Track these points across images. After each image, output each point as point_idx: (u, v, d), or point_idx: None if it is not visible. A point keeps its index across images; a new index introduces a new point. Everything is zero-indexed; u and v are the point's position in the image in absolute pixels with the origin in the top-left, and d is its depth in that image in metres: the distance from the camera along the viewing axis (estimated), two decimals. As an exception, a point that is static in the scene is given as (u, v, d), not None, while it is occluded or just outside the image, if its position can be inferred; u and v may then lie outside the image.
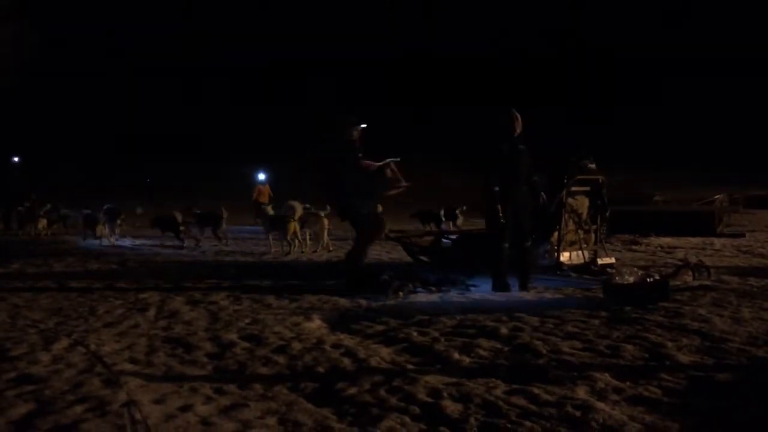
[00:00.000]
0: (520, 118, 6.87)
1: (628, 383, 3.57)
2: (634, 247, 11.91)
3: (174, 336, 4.84)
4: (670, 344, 4.41)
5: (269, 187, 20.70)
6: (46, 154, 39.88)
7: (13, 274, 8.29)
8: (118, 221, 13.17)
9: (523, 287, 6.82)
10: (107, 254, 10.62)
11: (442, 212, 15.57)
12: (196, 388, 3.59)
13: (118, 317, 5.55)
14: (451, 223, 15.36)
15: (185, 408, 3.27)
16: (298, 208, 10.89)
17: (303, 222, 11.18)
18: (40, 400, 3.39)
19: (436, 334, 4.83)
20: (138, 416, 3.13)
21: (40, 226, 15.27)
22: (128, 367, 4.02)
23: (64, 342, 4.63)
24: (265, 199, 19.69)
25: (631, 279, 6.29)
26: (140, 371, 3.93)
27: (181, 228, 11.86)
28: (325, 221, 11.69)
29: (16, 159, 17.00)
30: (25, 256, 10.22)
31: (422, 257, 9.12)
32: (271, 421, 3.11)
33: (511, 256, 6.88)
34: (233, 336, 4.83)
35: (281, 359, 4.19)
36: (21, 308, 5.97)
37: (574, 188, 7.98)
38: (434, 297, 6.55)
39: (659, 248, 11.72)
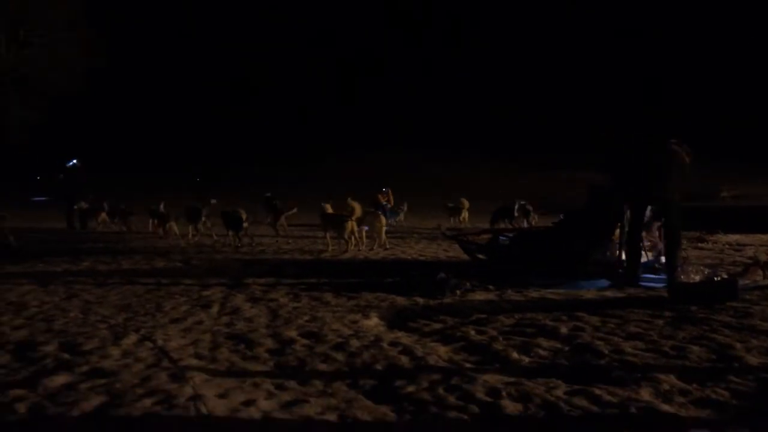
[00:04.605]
0: None
1: (694, 385, 3.47)
2: (700, 244, 11.53)
3: (236, 332, 4.96)
4: (738, 345, 4.27)
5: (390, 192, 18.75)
6: (111, 158, 41.46)
7: (84, 271, 8.65)
8: (203, 218, 13.36)
9: None
10: (172, 252, 10.96)
11: (516, 207, 15.41)
12: (258, 383, 3.68)
13: (183, 313, 5.73)
14: (524, 220, 15.24)
15: (248, 403, 3.35)
16: (358, 209, 10.96)
17: (361, 220, 11.25)
18: (112, 393, 3.54)
19: (494, 333, 4.80)
20: (204, 410, 3.23)
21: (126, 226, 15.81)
22: (193, 362, 4.15)
23: (133, 337, 4.82)
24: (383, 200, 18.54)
25: (698, 278, 6.09)
26: (205, 366, 4.05)
27: (245, 225, 11.99)
28: (383, 219, 11.73)
29: (75, 161, 17.76)
30: (95, 254, 10.65)
31: (480, 255, 9.05)
32: (331, 417, 3.16)
33: None
34: (293, 333, 4.91)
35: (340, 356, 4.25)
36: (92, 304, 6.23)
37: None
38: (492, 295, 6.49)
39: (727, 246, 11.31)
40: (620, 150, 7.94)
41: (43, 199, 26.94)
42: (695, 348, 4.24)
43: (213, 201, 13.63)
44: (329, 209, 11.51)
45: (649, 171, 7.18)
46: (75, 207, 16.94)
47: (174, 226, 13.77)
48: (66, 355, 4.32)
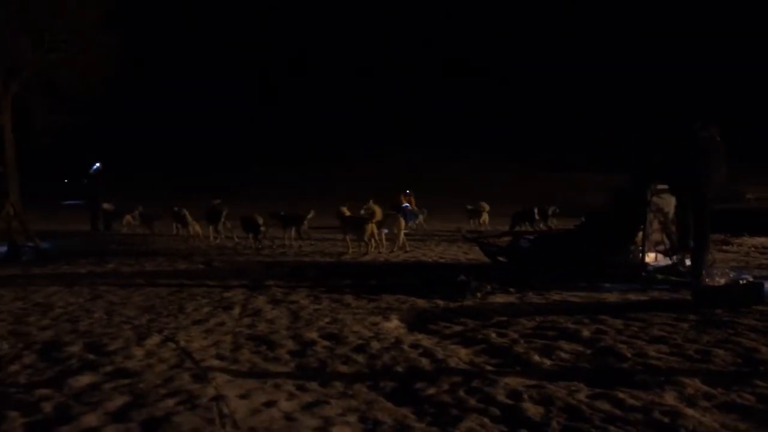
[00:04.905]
0: None
1: (719, 389, 3.42)
2: (725, 247, 11.37)
3: (257, 334, 5.00)
4: (764, 349, 4.20)
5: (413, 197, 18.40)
6: (130, 162, 41.95)
7: (108, 273, 8.76)
8: (222, 220, 13.56)
9: None
10: (194, 254, 11.06)
11: (536, 210, 15.42)
12: (280, 384, 3.70)
13: (205, 315, 5.78)
14: (542, 223, 15.22)
15: (269, 404, 3.37)
16: (378, 212, 10.97)
17: (381, 223, 11.26)
18: (135, 393, 3.58)
19: (515, 336, 4.78)
20: (226, 410, 3.26)
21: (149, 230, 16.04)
22: (215, 363, 4.19)
23: (156, 338, 4.87)
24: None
25: (723, 281, 6.02)
26: (227, 367, 4.08)
27: (262, 229, 12.18)
28: (402, 222, 11.72)
29: (98, 165, 18.05)
30: (119, 256, 10.78)
31: (500, 258, 9.01)
32: (352, 418, 3.16)
33: None
34: (314, 335, 4.93)
35: (360, 358, 4.26)
36: (116, 305, 6.31)
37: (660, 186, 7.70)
38: (513, 298, 6.47)
39: (753, 249, 11.14)
40: (664, 145, 7.73)
41: (77, 202, 27.41)
42: (720, 351, 4.18)
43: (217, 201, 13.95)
44: (347, 212, 11.54)
45: (695, 161, 6.99)
46: (104, 207, 17.21)
47: (197, 227, 13.95)
48: (91, 356, 4.39)
